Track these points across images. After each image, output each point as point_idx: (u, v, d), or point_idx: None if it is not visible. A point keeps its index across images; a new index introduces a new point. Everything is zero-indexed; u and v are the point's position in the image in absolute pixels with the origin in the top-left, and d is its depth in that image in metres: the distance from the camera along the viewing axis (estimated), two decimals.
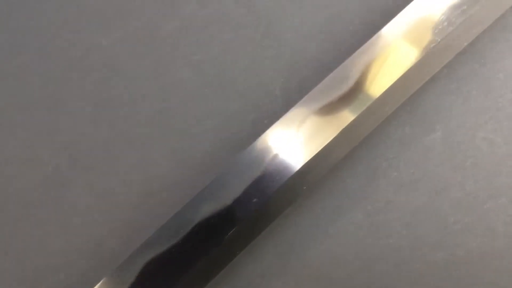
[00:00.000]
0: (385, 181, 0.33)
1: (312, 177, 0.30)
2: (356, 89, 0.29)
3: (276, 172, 0.28)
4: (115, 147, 0.34)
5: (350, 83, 0.29)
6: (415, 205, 0.32)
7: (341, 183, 0.33)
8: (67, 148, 0.34)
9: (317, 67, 0.34)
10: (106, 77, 0.35)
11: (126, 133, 0.34)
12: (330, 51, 0.34)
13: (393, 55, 0.30)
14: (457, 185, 0.32)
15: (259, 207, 0.28)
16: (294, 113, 0.29)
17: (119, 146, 0.34)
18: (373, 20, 0.34)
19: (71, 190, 0.33)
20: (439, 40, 0.30)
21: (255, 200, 0.28)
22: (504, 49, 0.33)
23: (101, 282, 0.28)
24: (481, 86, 0.33)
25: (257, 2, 0.35)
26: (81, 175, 0.34)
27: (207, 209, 0.28)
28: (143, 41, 0.36)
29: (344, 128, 0.29)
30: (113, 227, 0.33)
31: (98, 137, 0.34)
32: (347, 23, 0.35)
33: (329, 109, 0.29)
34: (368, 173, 0.33)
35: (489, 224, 0.32)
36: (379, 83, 0.29)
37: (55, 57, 0.35)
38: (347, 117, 0.29)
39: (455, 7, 0.30)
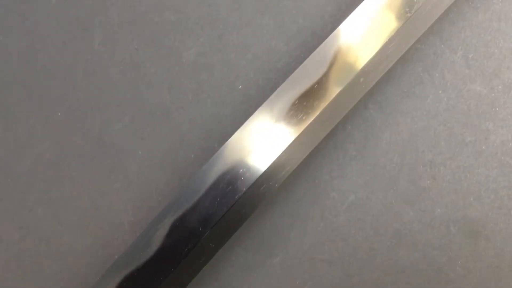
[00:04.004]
0: None
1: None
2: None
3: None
4: None
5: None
6: None
7: None
8: None
9: (163, 197, 0.35)
10: None
11: None
12: (174, 179, 0.35)
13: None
14: None
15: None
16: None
17: None
18: (212, 147, 0.35)
19: None
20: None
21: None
22: (335, 168, 0.34)
23: None
24: (316, 207, 0.34)
25: (103, 135, 0.36)
26: None
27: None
28: None
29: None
30: None
31: None
32: (188, 151, 0.35)
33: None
34: None
35: None
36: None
37: None
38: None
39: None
